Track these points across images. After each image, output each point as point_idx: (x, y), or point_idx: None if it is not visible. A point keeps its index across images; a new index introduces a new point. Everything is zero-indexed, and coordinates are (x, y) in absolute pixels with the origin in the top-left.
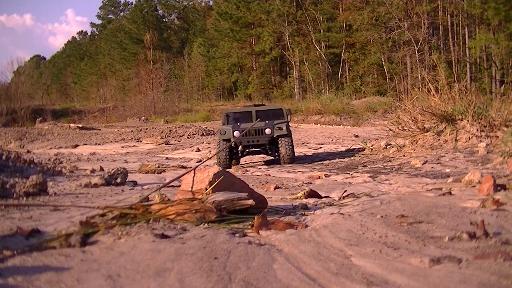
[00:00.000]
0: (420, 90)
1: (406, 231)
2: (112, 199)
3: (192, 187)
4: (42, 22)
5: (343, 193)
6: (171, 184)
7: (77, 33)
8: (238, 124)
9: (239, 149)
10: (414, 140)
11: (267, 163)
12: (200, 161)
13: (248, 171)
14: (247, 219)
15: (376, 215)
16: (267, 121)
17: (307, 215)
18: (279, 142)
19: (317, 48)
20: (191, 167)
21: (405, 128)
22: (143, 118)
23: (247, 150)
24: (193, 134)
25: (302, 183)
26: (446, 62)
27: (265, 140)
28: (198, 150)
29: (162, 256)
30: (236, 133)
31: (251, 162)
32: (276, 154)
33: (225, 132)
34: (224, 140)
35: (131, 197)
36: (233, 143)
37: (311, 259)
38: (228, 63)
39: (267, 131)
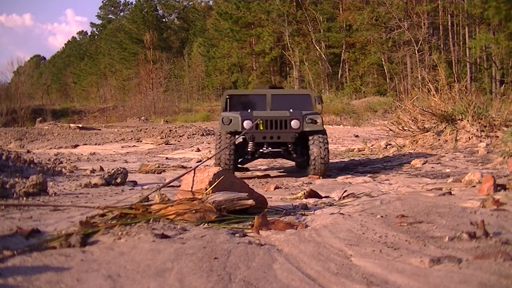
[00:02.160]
0: (420, 90)
1: (406, 231)
2: (112, 199)
3: (192, 187)
4: (42, 22)
5: (343, 193)
6: (171, 184)
7: (77, 33)
8: (249, 110)
9: (249, 148)
10: (414, 140)
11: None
12: (200, 161)
13: (248, 171)
14: (247, 219)
15: (376, 215)
16: (291, 110)
17: (307, 215)
18: (311, 141)
19: (317, 48)
20: (191, 167)
21: (405, 128)
22: (143, 118)
23: (260, 150)
24: (193, 134)
25: (302, 183)
26: (446, 62)
27: (289, 137)
28: (198, 150)
29: (162, 256)
30: (246, 123)
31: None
32: (303, 159)
33: (231, 120)
34: (228, 133)
35: (131, 197)
36: (241, 137)
37: (311, 259)
38: (228, 63)
39: (294, 123)
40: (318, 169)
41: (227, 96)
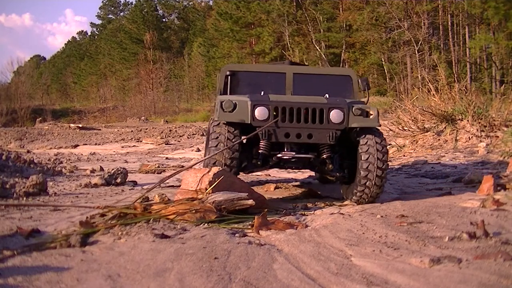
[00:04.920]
0: (420, 90)
1: (406, 231)
2: (112, 199)
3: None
4: (41, 22)
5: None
6: (171, 184)
7: (77, 33)
8: (262, 93)
9: (260, 149)
10: (414, 140)
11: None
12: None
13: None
14: (247, 219)
15: (376, 215)
16: (327, 95)
17: (307, 215)
18: (363, 147)
19: (317, 48)
20: (191, 167)
21: (405, 128)
22: (143, 118)
23: (278, 155)
24: (193, 134)
25: (302, 183)
26: (446, 62)
27: (326, 137)
28: (198, 150)
29: (162, 256)
30: (259, 112)
31: None
32: (343, 174)
33: (234, 105)
34: (228, 124)
35: (131, 197)
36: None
37: (311, 259)
38: (228, 63)
39: (335, 115)
40: (369, 193)
41: (228, 73)
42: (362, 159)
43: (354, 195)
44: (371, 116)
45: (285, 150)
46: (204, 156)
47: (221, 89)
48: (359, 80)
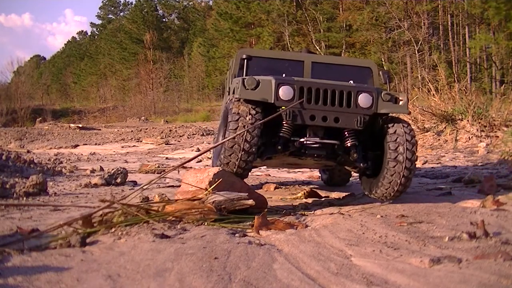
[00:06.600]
0: (420, 90)
1: (406, 231)
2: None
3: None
4: (41, 22)
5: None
6: (171, 184)
7: (77, 33)
8: (283, 75)
9: (281, 133)
10: None
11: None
12: (200, 161)
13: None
14: (247, 219)
15: (376, 215)
16: (351, 81)
17: (307, 215)
18: (391, 135)
19: (317, 48)
20: (191, 167)
21: None
22: (143, 118)
23: (301, 140)
24: (193, 134)
25: (302, 183)
26: (446, 62)
27: (354, 121)
28: (198, 150)
29: (162, 256)
30: (283, 91)
31: None
32: (366, 165)
33: (257, 83)
34: (247, 102)
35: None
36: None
37: (311, 259)
38: (228, 63)
39: (364, 99)
40: (395, 188)
41: (244, 56)
42: (388, 149)
43: (380, 188)
44: (400, 102)
45: (308, 134)
46: (216, 141)
47: (235, 74)
48: (380, 73)
